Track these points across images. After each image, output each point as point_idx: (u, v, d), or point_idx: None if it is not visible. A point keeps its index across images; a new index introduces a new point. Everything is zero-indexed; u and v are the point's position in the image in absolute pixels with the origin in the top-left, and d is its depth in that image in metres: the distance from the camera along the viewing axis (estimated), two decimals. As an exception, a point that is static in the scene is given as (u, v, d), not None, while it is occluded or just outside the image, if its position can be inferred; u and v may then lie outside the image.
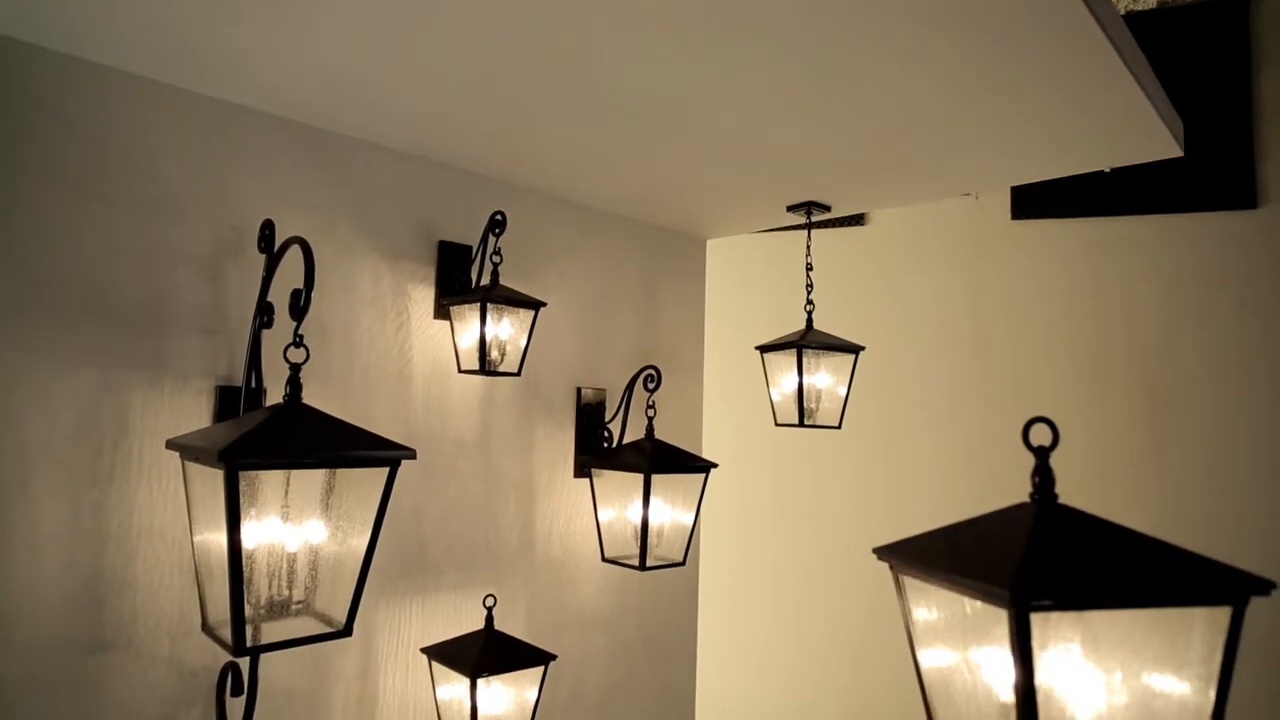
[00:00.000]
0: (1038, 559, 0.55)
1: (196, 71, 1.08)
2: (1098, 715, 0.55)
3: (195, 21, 0.95)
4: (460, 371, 1.39)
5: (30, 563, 0.96)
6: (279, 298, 1.00)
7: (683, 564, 1.48)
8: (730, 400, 2.64)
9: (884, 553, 0.66)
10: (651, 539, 1.41)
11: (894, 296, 2.60)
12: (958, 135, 1.24)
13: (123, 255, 1.06)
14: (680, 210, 1.71)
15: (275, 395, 1.09)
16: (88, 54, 1.03)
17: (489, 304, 1.30)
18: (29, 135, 0.99)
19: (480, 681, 1.17)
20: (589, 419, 1.62)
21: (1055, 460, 0.63)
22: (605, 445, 1.61)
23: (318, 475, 0.91)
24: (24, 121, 0.99)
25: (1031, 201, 2.39)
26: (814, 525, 2.67)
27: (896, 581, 0.67)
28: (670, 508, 1.46)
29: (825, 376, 1.63)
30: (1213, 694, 0.54)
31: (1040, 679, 0.53)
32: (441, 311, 1.39)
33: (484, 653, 1.21)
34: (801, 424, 1.61)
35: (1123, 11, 2.26)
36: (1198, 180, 2.15)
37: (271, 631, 0.89)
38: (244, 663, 1.02)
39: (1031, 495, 0.62)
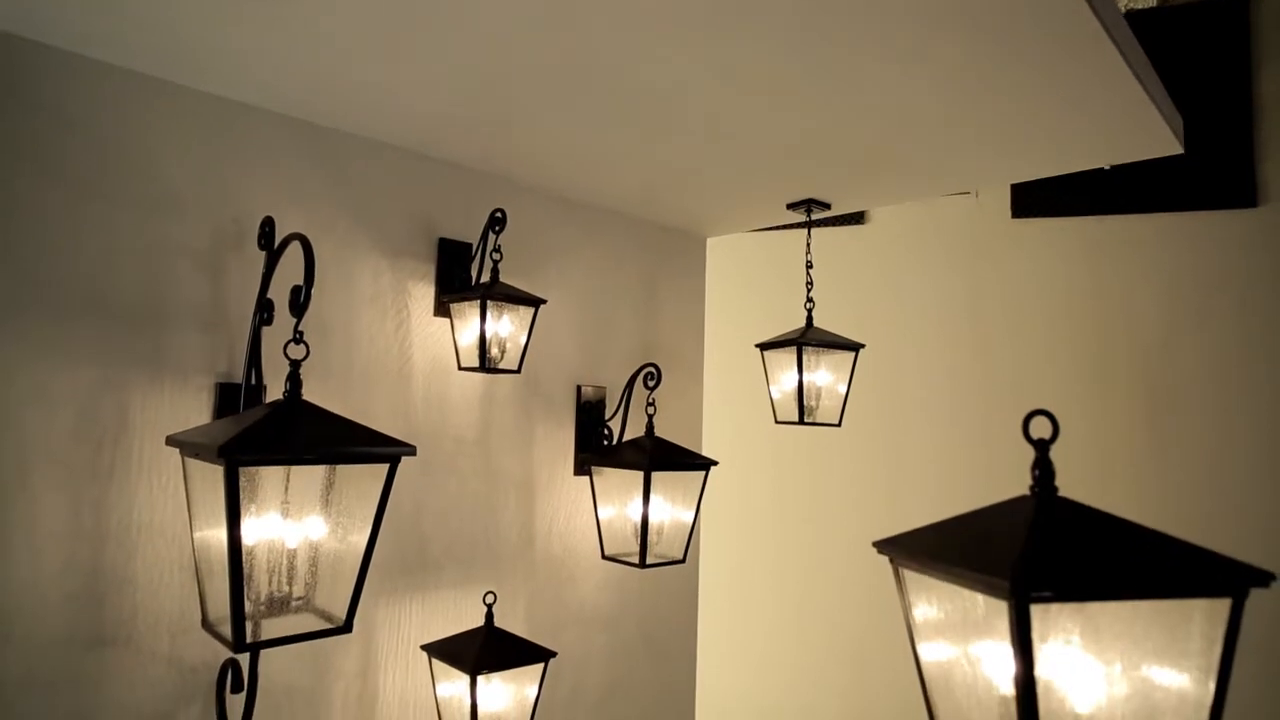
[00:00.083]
0: (1038, 550, 0.55)
1: (197, 69, 1.08)
2: (1098, 707, 0.55)
3: (196, 19, 0.95)
4: (460, 369, 1.39)
5: (30, 560, 0.97)
6: (279, 295, 1.00)
7: (683, 562, 1.48)
8: (730, 398, 2.64)
9: (884, 546, 0.66)
10: (651, 536, 1.41)
11: (894, 295, 2.61)
12: (958, 134, 1.25)
13: (123, 252, 1.06)
14: (680, 208, 1.71)
15: (275, 392, 1.09)
16: (89, 51, 1.03)
17: (489, 301, 1.30)
18: (29, 132, 0.99)
19: (480, 679, 1.17)
20: (589, 416, 1.63)
21: (1055, 458, 0.62)
22: (605, 443, 1.61)
23: (318, 471, 0.91)
24: (24, 118, 0.99)
25: (1032, 200, 2.39)
26: (814, 525, 2.67)
27: (896, 575, 0.67)
28: (670, 505, 1.46)
29: (825, 374, 1.63)
30: (1212, 686, 0.54)
31: (1040, 671, 0.53)
32: (441, 309, 1.39)
33: (484, 650, 1.21)
34: (801, 422, 1.61)
35: (1122, 10, 2.26)
36: (1198, 179, 2.15)
37: (271, 628, 0.89)
38: (244, 659, 1.02)
39: (1031, 488, 0.62)
